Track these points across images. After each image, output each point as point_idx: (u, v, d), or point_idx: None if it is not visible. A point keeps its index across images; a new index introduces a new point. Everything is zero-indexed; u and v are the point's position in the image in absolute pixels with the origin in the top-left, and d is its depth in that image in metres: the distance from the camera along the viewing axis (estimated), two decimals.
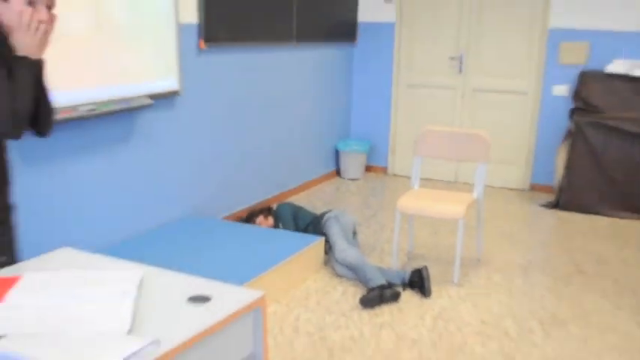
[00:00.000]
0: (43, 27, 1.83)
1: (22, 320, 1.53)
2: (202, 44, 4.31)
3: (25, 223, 3.23)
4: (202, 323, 1.57)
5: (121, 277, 1.78)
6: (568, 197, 5.53)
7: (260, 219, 4.45)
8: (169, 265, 3.41)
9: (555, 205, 5.61)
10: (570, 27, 5.79)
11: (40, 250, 3.14)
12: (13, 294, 1.68)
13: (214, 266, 3.47)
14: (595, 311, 3.57)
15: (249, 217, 4.54)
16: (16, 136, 1.90)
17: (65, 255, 2.03)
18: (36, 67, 1.89)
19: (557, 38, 5.87)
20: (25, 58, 1.84)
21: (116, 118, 3.71)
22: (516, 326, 3.36)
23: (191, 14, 4.19)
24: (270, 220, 4.45)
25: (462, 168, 6.37)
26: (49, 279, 1.78)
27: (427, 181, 6.09)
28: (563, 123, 5.82)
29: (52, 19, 1.87)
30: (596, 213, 5.42)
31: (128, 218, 3.91)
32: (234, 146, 4.87)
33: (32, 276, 1.80)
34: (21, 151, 3.16)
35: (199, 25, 4.26)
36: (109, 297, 1.67)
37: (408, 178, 6.42)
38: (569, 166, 5.49)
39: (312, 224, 4.28)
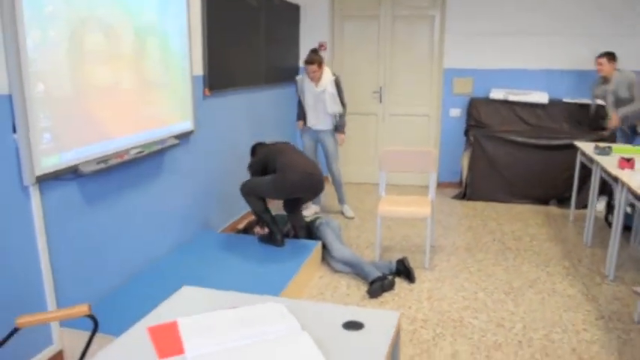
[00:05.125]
0: None
1: None
2: (207, 92, 3.91)
3: (89, 247, 2.80)
4: (373, 349, 1.33)
5: (270, 312, 1.49)
6: (472, 190, 5.61)
7: (257, 229, 4.13)
8: (208, 280, 3.08)
9: (463, 196, 5.67)
10: (459, 67, 5.91)
11: (100, 266, 2.73)
12: (188, 344, 1.35)
13: (245, 279, 3.15)
14: (537, 279, 3.57)
15: (247, 229, 4.21)
16: None
17: (189, 294, 1.68)
18: None
19: (450, 75, 5.95)
20: None
21: (150, 157, 3.27)
22: (489, 298, 3.29)
23: (198, 67, 3.79)
24: (266, 229, 4.13)
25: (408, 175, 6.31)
26: (207, 322, 1.44)
27: (372, 186, 6.00)
28: (458, 136, 5.95)
29: None
30: (494, 200, 5.55)
31: (156, 239, 3.46)
32: (232, 166, 4.50)
33: (186, 321, 1.46)
34: (84, 193, 2.69)
35: (204, 76, 3.87)
36: (280, 333, 1.38)
37: (360, 183, 6.25)
38: (471, 167, 5.58)
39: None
